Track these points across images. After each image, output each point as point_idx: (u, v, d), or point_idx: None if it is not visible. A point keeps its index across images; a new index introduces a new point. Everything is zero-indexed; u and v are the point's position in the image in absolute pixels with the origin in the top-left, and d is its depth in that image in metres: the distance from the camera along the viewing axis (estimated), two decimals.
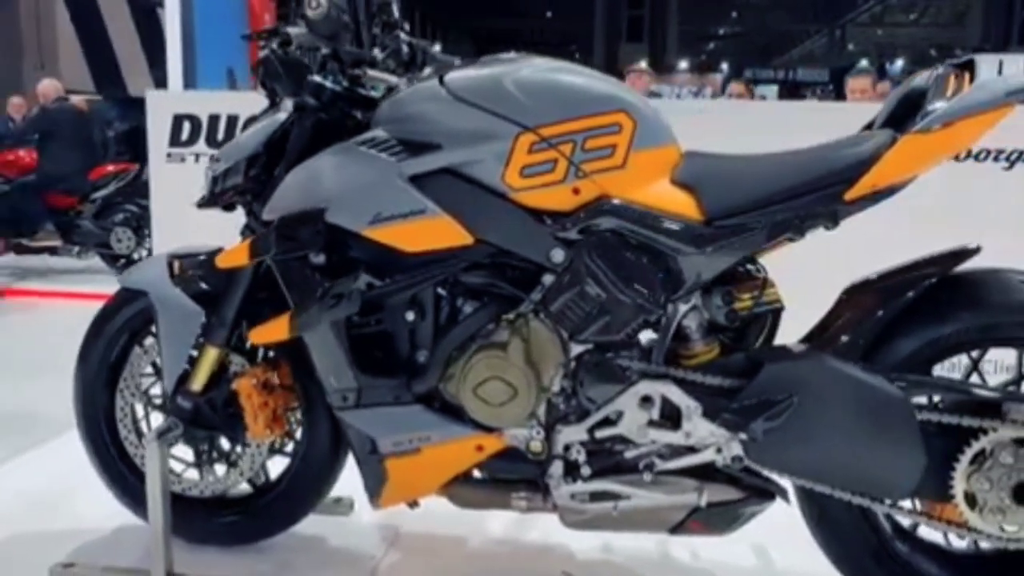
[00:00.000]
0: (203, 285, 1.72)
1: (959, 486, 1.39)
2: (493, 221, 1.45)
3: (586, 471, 1.50)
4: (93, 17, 14.70)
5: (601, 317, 1.45)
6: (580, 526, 1.56)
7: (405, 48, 1.78)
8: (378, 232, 1.46)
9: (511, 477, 1.57)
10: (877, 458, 1.39)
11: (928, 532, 1.51)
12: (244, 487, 1.84)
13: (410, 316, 1.52)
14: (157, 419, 1.80)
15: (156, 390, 1.81)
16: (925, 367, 1.45)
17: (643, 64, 6.89)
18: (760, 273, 1.51)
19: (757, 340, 1.51)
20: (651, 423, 1.47)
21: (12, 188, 5.73)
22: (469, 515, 1.68)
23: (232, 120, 2.88)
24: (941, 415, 1.40)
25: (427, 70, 1.71)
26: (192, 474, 1.81)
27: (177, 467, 1.80)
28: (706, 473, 1.48)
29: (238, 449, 1.79)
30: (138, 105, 3.04)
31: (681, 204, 1.44)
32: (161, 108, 2.98)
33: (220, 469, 1.80)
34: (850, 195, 1.39)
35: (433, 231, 1.45)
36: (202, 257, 1.75)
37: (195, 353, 1.72)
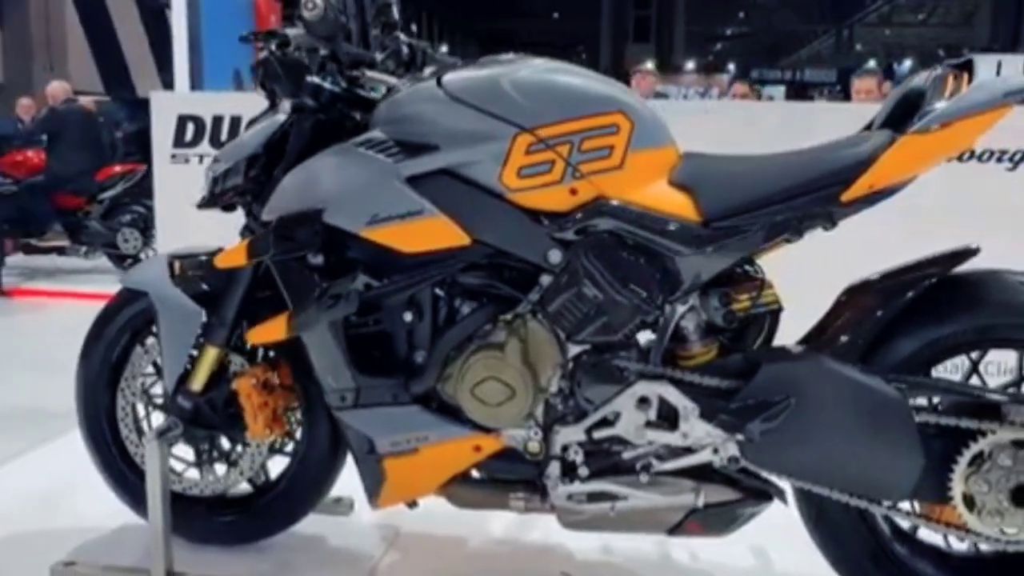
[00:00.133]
0: (203, 285, 1.73)
1: (957, 488, 1.38)
2: (490, 222, 1.45)
3: (583, 472, 1.50)
4: (102, 19, 14.79)
5: (598, 318, 1.45)
6: (578, 527, 1.56)
7: (405, 49, 1.78)
8: (375, 233, 1.47)
9: (509, 477, 1.57)
10: (874, 459, 1.38)
11: (927, 534, 1.50)
12: (244, 487, 1.85)
13: (408, 316, 1.53)
14: (158, 418, 1.81)
15: (157, 389, 1.82)
16: (924, 368, 1.45)
17: (649, 65, 6.90)
18: (758, 274, 1.51)
19: (756, 341, 1.50)
20: (648, 424, 1.47)
21: (21, 188, 5.78)
22: (469, 515, 1.68)
23: (236, 121, 2.89)
24: (939, 417, 1.40)
25: (427, 71, 1.71)
26: (193, 473, 1.82)
27: (178, 466, 1.81)
28: (704, 474, 1.48)
29: (238, 449, 1.80)
30: (146, 106, 3.06)
31: (678, 205, 1.44)
32: (165, 109, 2.99)
33: (220, 468, 1.81)
34: (847, 196, 1.39)
35: (430, 232, 1.45)
36: (203, 257, 1.75)
37: (195, 353, 1.73)
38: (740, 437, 1.42)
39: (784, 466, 1.43)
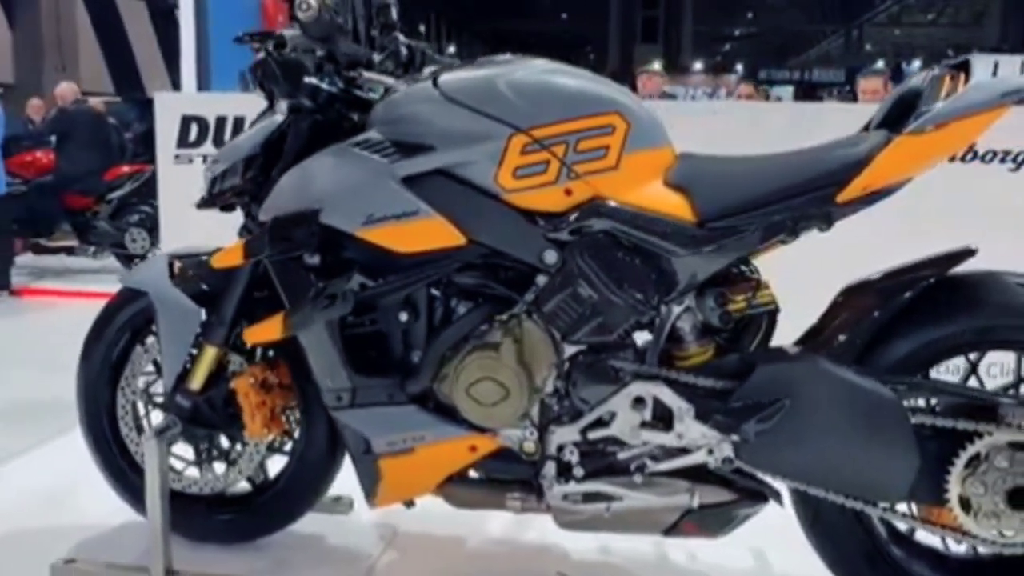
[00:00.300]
0: (202, 285, 1.74)
1: (954, 490, 1.38)
2: (486, 222, 1.45)
3: (579, 472, 1.50)
4: (113, 20, 14.90)
5: (594, 318, 1.45)
6: (574, 527, 1.56)
7: (404, 50, 1.79)
8: (371, 233, 1.47)
9: (505, 477, 1.57)
10: (869, 461, 1.38)
11: (925, 536, 1.50)
12: (243, 485, 1.85)
13: (404, 316, 1.53)
14: (158, 417, 1.82)
15: (158, 388, 1.83)
16: (922, 369, 1.44)
17: (656, 66, 6.87)
18: (754, 275, 1.51)
19: (753, 342, 1.50)
20: (643, 424, 1.47)
21: (30, 188, 5.82)
22: (467, 515, 1.68)
23: (239, 121, 2.90)
24: (936, 418, 1.39)
25: (426, 71, 1.72)
26: (192, 472, 1.83)
27: (178, 465, 1.82)
28: (699, 475, 1.48)
29: (237, 447, 1.80)
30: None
31: (674, 205, 1.44)
32: (169, 109, 3.01)
33: (219, 467, 1.82)
34: (843, 197, 1.39)
35: (426, 232, 1.46)
36: (202, 257, 1.76)
37: (195, 352, 1.74)
38: (735, 438, 1.42)
39: (779, 467, 1.43)
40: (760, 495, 1.48)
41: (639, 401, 1.46)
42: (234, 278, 1.67)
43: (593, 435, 1.49)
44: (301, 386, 1.72)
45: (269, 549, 1.84)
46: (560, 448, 1.51)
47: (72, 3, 13.99)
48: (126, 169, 6.03)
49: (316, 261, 1.54)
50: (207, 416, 1.76)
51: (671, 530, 1.51)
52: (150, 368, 1.83)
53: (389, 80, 1.61)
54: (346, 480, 1.78)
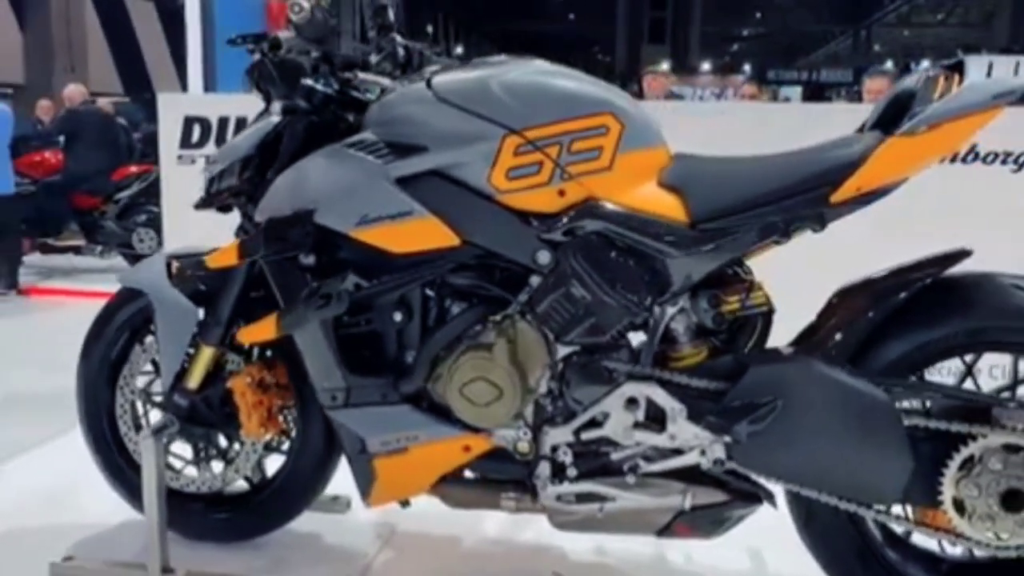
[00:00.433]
0: (200, 285, 1.75)
1: (948, 492, 1.37)
2: (479, 223, 1.46)
3: (572, 472, 1.51)
4: (122, 21, 14.99)
5: (587, 319, 1.46)
6: (568, 527, 1.56)
7: (401, 51, 1.80)
8: (365, 233, 1.48)
9: (500, 477, 1.58)
10: (862, 463, 1.38)
11: (920, 538, 1.49)
12: (241, 484, 1.87)
13: (398, 317, 1.54)
14: (156, 416, 1.83)
15: (156, 387, 1.84)
16: (917, 371, 1.44)
17: (662, 67, 6.86)
18: (748, 276, 1.50)
19: (748, 343, 1.50)
20: (636, 425, 1.47)
21: (38, 188, 5.86)
22: (463, 515, 1.69)
23: (241, 122, 2.91)
24: (930, 420, 1.39)
25: (426, 71, 1.72)
26: (190, 470, 1.84)
27: (176, 464, 1.83)
28: (692, 476, 1.48)
29: (234, 446, 1.82)
30: None
31: (667, 206, 1.44)
32: (172, 110, 3.03)
33: (217, 466, 1.83)
34: (836, 197, 1.38)
35: (420, 232, 1.46)
36: (200, 258, 1.77)
37: (192, 351, 1.75)
38: (727, 439, 1.42)
39: (771, 468, 1.43)
40: (753, 496, 1.48)
41: (632, 402, 1.46)
42: (230, 278, 1.68)
43: (586, 435, 1.49)
44: (298, 386, 1.73)
45: (266, 547, 1.85)
46: (554, 448, 1.51)
47: (82, 5, 14.08)
48: (134, 169, 6.05)
49: (311, 261, 1.55)
50: (204, 415, 1.77)
51: (664, 531, 1.51)
52: (149, 367, 1.85)
53: (385, 81, 1.62)
54: (343, 479, 1.79)
